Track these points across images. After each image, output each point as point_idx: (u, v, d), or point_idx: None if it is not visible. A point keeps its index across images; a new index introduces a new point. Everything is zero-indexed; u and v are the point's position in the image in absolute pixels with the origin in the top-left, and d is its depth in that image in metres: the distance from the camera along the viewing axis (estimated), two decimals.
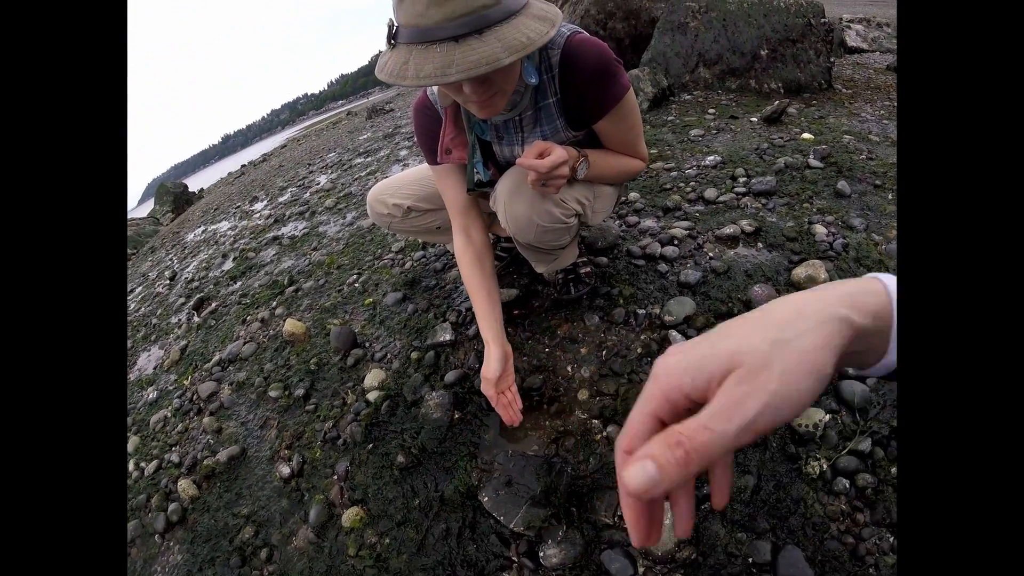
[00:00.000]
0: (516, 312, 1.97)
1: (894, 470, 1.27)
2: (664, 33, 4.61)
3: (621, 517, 1.27)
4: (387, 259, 2.83)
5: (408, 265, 2.65)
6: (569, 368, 1.69)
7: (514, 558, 1.30)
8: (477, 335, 1.92)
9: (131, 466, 2.22)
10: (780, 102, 3.50)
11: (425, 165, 1.91)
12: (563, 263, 1.88)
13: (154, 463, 2.13)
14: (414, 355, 1.96)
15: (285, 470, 1.75)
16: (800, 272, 1.81)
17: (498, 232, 2.16)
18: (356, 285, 2.67)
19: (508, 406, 1.49)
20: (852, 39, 6.19)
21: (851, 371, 1.45)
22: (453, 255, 2.52)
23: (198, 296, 3.65)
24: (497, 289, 1.61)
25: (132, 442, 2.38)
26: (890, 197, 2.32)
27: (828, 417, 1.38)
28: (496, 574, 1.28)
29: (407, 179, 1.95)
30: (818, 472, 1.27)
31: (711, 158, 2.87)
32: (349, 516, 1.52)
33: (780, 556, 1.13)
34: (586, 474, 1.41)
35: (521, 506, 1.36)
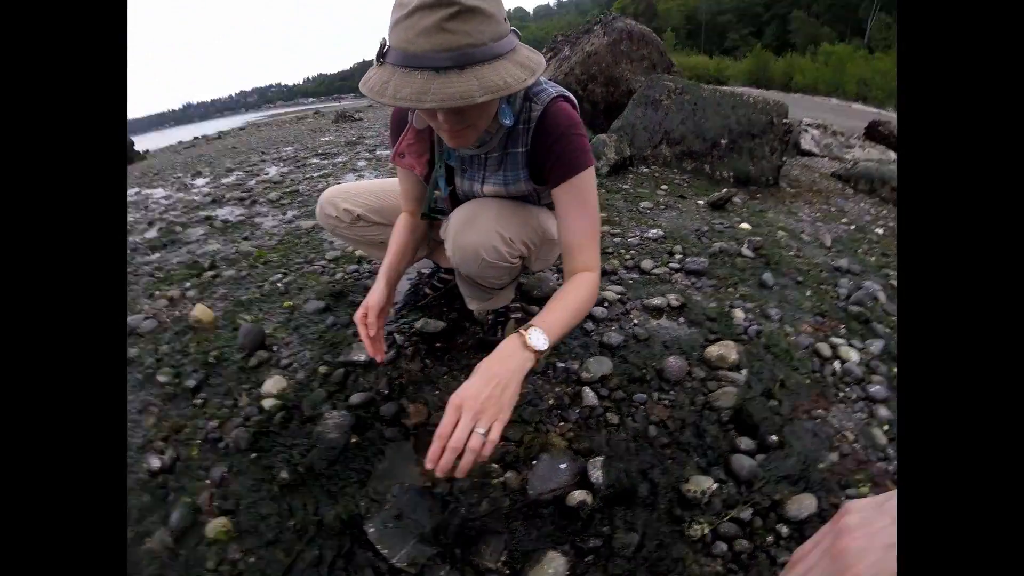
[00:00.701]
0: (438, 344, 1.92)
1: (769, 538, 1.34)
2: (638, 106, 4.78)
3: (504, 563, 1.26)
4: (318, 265, 2.73)
5: (338, 276, 2.57)
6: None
7: None
8: (394, 361, 1.87)
9: None
10: (728, 190, 3.66)
11: (386, 180, 1.96)
12: (497, 304, 1.89)
13: None
14: (322, 369, 1.87)
15: (155, 463, 1.61)
16: (713, 350, 1.90)
17: (439, 261, 2.15)
18: (279, 285, 2.56)
19: (376, 339, 1.54)
20: (806, 142, 6.54)
21: (742, 445, 1.52)
22: None
23: None
24: (413, 254, 1.79)
25: None
26: (808, 293, 2.46)
27: (715, 486, 1.42)
28: None
29: (364, 188, 1.97)
30: (699, 535, 1.33)
31: (654, 231, 2.98)
32: (215, 526, 1.40)
33: None
34: (477, 517, 1.36)
35: (408, 542, 1.30)
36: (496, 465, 1.48)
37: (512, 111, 1.34)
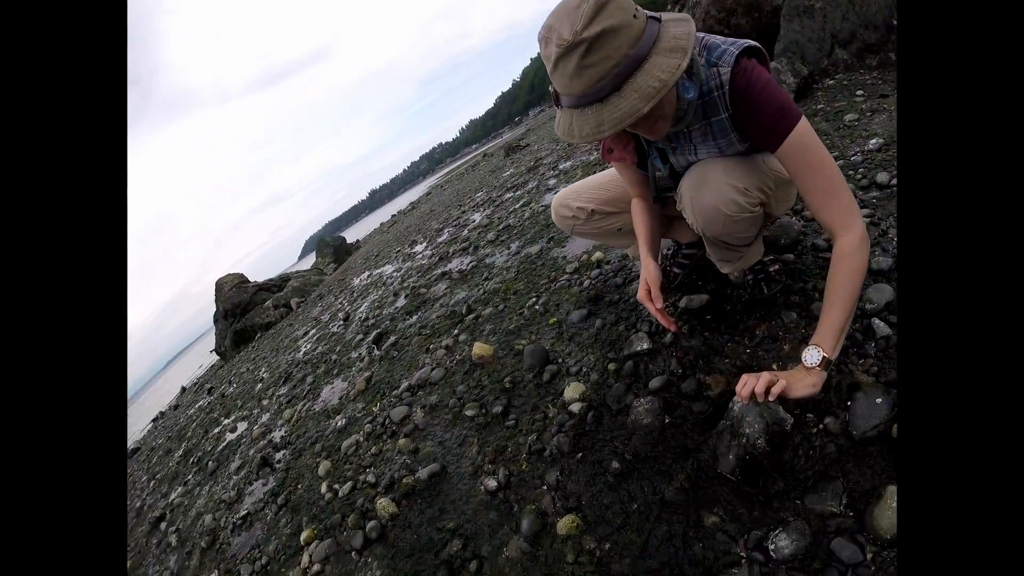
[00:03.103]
0: (708, 317, 1.95)
1: None
2: (791, 20, 4.42)
3: (846, 506, 1.25)
4: (563, 280, 2.91)
5: (586, 284, 2.71)
6: (775, 366, 1.64)
7: (742, 553, 1.27)
8: (675, 342, 1.92)
9: (324, 488, 2.39)
10: None
11: (606, 172, 2.05)
12: (749, 261, 1.87)
13: (348, 484, 2.29)
14: (611, 366, 1.99)
15: (491, 483, 1.82)
16: None
17: (679, 237, 2.19)
18: (537, 307, 2.77)
19: (663, 312, 1.68)
20: None
21: None
22: (631, 268, 2.57)
23: (376, 332, 3.94)
24: (660, 230, 1.90)
25: (323, 466, 2.58)
26: None
27: None
28: (725, 571, 1.26)
29: (590, 184, 2.08)
30: None
31: (873, 141, 2.71)
32: (564, 524, 1.54)
33: None
34: (808, 466, 1.37)
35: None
36: (811, 415, 1.47)
37: (697, 82, 1.34)
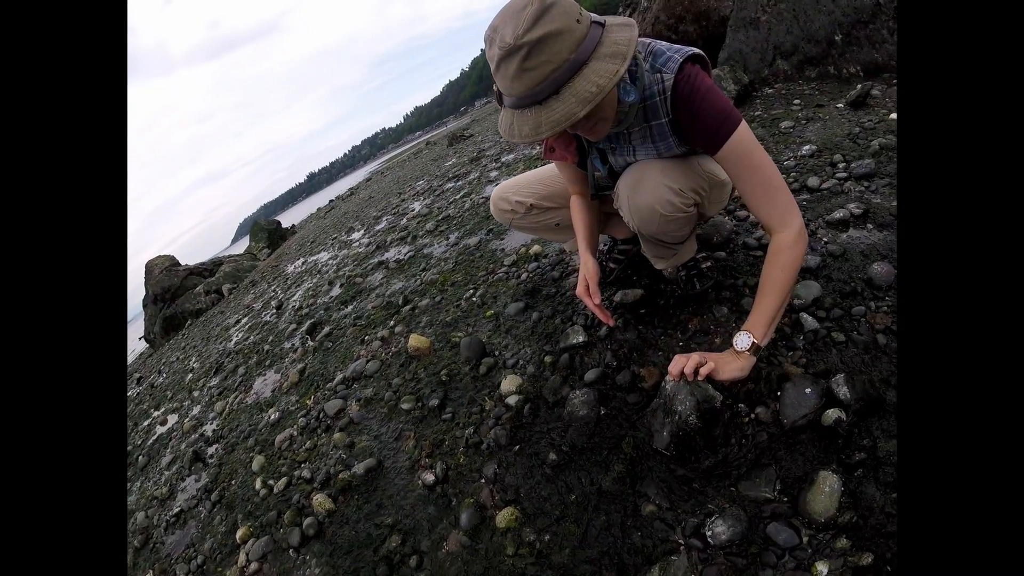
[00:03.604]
0: (642, 311, 2.00)
1: None
2: (737, 30, 4.58)
3: (780, 491, 1.31)
4: (501, 273, 2.91)
5: (524, 277, 2.72)
6: None
7: (681, 540, 1.31)
8: (610, 335, 1.96)
9: (258, 484, 2.32)
10: (862, 85, 3.40)
11: (546, 167, 2.07)
12: (682, 258, 1.94)
13: (283, 480, 2.23)
14: (547, 359, 2.01)
15: (429, 478, 1.81)
16: None
17: (615, 234, 2.23)
18: (474, 299, 2.77)
19: (604, 310, 1.69)
20: None
21: None
22: (568, 262, 2.60)
23: (310, 321, 3.85)
24: (598, 227, 1.94)
25: (257, 461, 2.50)
26: None
27: None
28: (664, 559, 1.30)
29: (529, 179, 2.11)
30: None
31: (806, 148, 2.85)
32: (504, 516, 1.55)
33: None
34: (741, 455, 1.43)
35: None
36: (743, 405, 1.53)
37: (640, 86, 1.39)
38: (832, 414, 1.36)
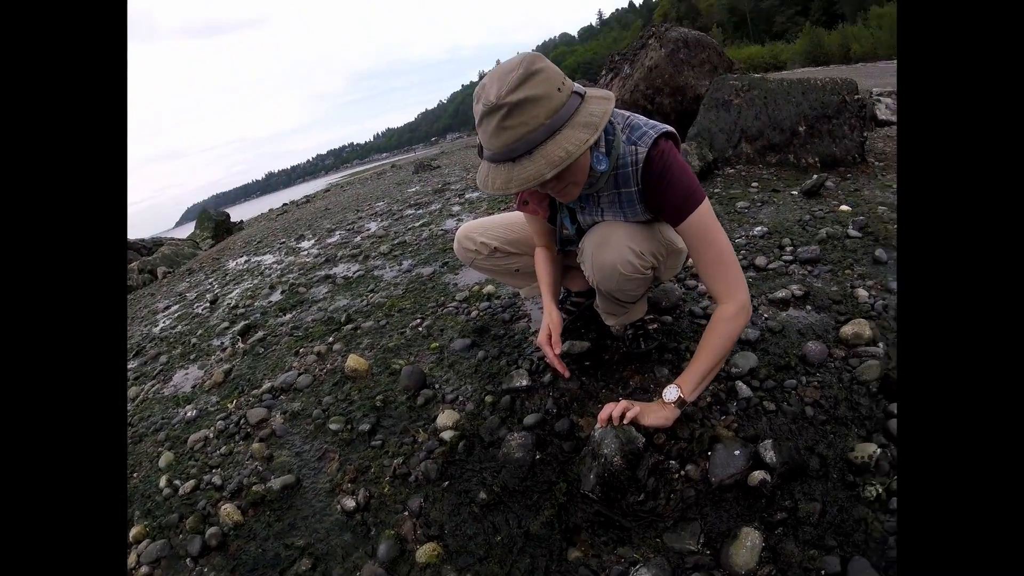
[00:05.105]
0: (587, 363, 2.04)
1: None
2: (709, 110, 4.81)
3: (704, 544, 1.37)
4: (451, 307, 2.91)
5: (474, 314, 2.73)
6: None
7: None
8: (553, 382, 1.99)
9: (163, 482, 2.18)
10: (818, 176, 3.62)
11: (513, 213, 2.12)
12: (632, 317, 2.01)
13: (191, 483, 2.10)
14: (488, 398, 2.01)
15: (350, 503, 1.75)
16: (847, 330, 1.94)
17: (571, 286, 2.29)
18: (420, 329, 2.75)
19: (562, 361, 1.76)
20: (882, 112, 6.28)
21: (895, 410, 1.53)
22: (519, 306, 2.63)
23: (244, 323, 3.71)
24: (561, 279, 2.05)
25: (165, 458, 2.35)
26: None
27: (879, 450, 1.47)
28: None
29: (496, 222, 2.15)
30: (875, 495, 1.39)
31: (758, 228, 3.02)
32: (425, 552, 1.51)
33: (849, 565, 1.23)
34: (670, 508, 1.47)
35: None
36: (673, 461, 1.58)
37: (614, 155, 1.50)
38: (758, 475, 1.44)
